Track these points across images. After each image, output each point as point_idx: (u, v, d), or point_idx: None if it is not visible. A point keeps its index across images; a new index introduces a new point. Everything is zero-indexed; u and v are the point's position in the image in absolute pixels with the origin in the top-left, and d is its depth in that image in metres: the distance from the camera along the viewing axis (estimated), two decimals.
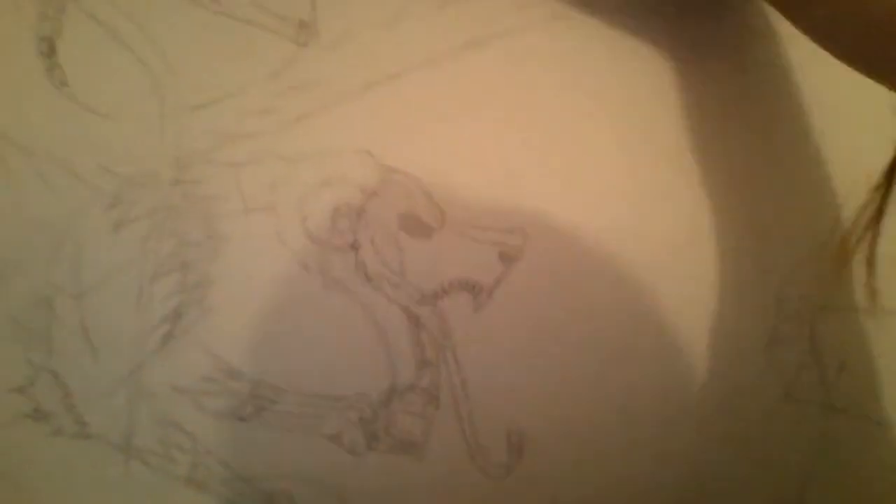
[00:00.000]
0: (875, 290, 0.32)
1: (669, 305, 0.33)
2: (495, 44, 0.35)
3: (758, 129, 0.35)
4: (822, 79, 0.36)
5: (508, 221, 0.32)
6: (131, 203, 0.30)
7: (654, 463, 0.31)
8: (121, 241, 0.29)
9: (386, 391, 0.30)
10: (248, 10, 0.33)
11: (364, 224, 0.31)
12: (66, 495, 0.28)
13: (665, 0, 0.35)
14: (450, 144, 0.33)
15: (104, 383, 0.29)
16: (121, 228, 0.29)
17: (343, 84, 0.34)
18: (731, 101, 0.35)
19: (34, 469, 0.28)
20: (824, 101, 0.36)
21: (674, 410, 0.32)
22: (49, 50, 0.32)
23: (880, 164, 0.30)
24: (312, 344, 0.30)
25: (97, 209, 0.30)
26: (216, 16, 0.33)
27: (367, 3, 0.35)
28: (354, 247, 0.31)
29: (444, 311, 0.31)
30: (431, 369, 0.30)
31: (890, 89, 0.24)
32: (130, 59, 0.32)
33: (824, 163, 0.36)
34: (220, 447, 0.29)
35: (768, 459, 0.32)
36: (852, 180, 0.35)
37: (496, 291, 0.32)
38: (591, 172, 0.33)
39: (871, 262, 0.31)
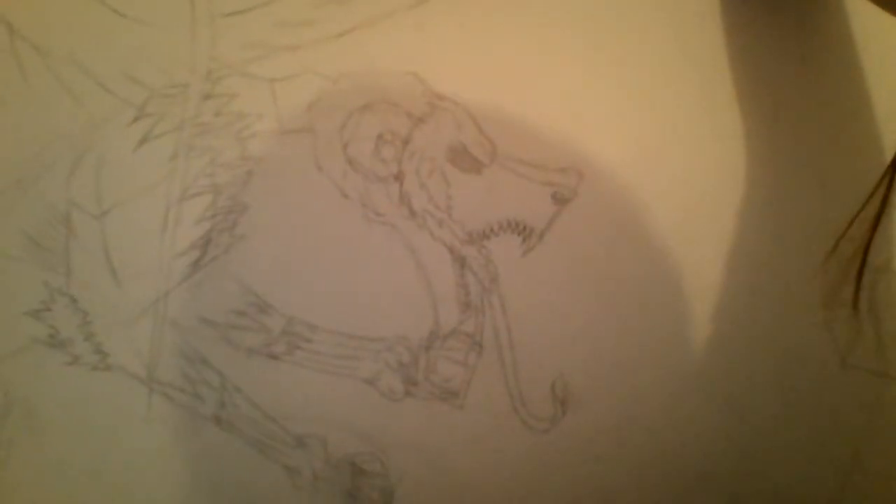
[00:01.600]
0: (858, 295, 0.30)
1: (723, 258, 0.31)
2: None
3: (820, 72, 0.33)
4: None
5: (563, 160, 0.30)
6: (158, 116, 0.27)
7: (700, 426, 0.30)
8: (146, 158, 0.27)
9: (427, 335, 0.28)
10: None
11: (409, 154, 0.29)
12: (83, 428, 0.26)
13: None
14: (504, 71, 0.30)
15: (126, 311, 0.26)
16: (146, 144, 0.27)
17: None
18: (785, 50, 0.33)
19: (49, 399, 0.26)
20: (876, 45, 0.33)
21: (723, 372, 0.30)
22: None
23: None
24: (350, 280, 0.28)
25: (121, 121, 0.27)
26: None
27: None
28: (398, 178, 0.29)
29: (491, 252, 0.29)
30: (475, 314, 0.28)
31: None
32: None
33: (874, 109, 0.34)
34: (250, 385, 0.27)
35: (821, 426, 0.31)
36: None
37: (547, 234, 0.29)
38: (650, 114, 0.30)
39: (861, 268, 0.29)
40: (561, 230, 0.30)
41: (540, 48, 0.31)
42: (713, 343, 0.30)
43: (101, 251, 0.26)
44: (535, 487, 0.29)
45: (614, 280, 0.29)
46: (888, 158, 0.30)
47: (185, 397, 0.26)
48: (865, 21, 0.33)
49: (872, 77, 0.33)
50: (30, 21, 0.27)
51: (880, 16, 0.29)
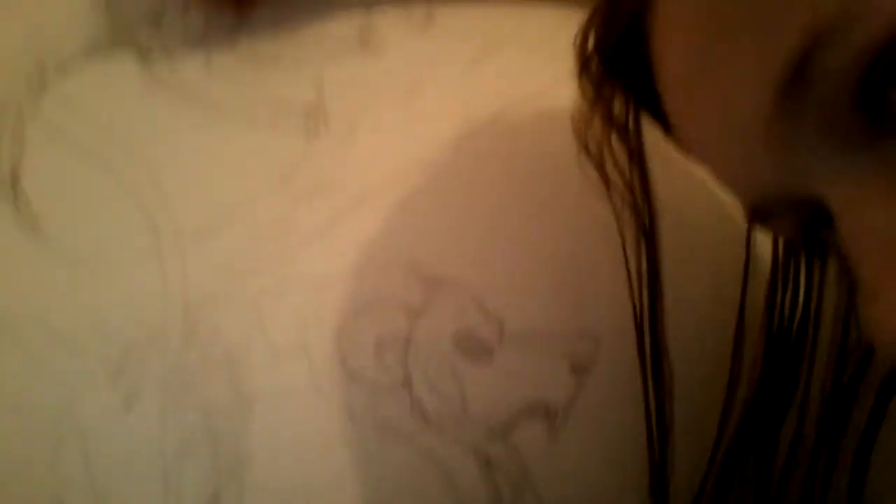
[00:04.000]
0: None
1: None
2: (533, 105, 0.30)
3: None
4: None
5: (577, 324, 0.28)
6: (140, 370, 0.25)
7: None
8: (134, 419, 0.25)
9: None
10: (247, 103, 0.28)
11: (414, 353, 0.27)
12: None
13: None
14: (500, 238, 0.28)
15: None
16: (132, 403, 0.25)
17: (366, 179, 0.28)
18: None
19: None
20: None
21: None
22: (12, 181, 0.27)
23: None
24: None
25: (102, 384, 0.25)
26: (210, 115, 0.28)
27: (381, 77, 0.29)
28: (406, 383, 0.26)
29: (517, 444, 0.27)
30: None
31: None
32: (112, 185, 0.27)
33: None
34: None
35: None
36: None
37: (572, 411, 0.27)
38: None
39: None
40: (587, 403, 0.28)
41: (536, 203, 0.29)
42: None
43: None
44: None
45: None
46: None
47: None
48: None
49: None
50: None
51: None
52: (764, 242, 0.27)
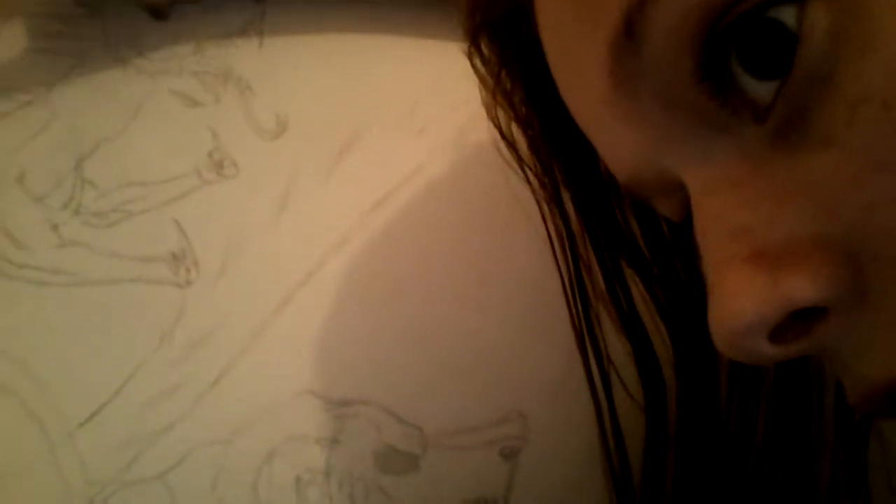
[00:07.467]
0: None
1: None
2: (413, 185, 0.29)
3: None
4: None
5: (501, 408, 0.27)
6: None
7: None
8: None
9: None
10: (107, 266, 0.27)
11: (337, 484, 0.26)
12: None
13: None
14: (402, 344, 0.27)
15: None
16: None
17: (249, 316, 0.27)
18: None
19: None
20: None
21: None
22: None
23: None
24: None
25: None
26: (72, 289, 0.26)
27: (242, 202, 0.28)
28: None
29: None
30: None
31: None
32: None
33: None
34: None
35: None
36: None
37: (511, 496, 0.27)
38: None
39: None
40: (525, 484, 0.27)
41: (435, 292, 0.27)
42: None
43: None
44: None
45: None
46: None
47: None
48: None
49: None
50: None
51: None
52: None
